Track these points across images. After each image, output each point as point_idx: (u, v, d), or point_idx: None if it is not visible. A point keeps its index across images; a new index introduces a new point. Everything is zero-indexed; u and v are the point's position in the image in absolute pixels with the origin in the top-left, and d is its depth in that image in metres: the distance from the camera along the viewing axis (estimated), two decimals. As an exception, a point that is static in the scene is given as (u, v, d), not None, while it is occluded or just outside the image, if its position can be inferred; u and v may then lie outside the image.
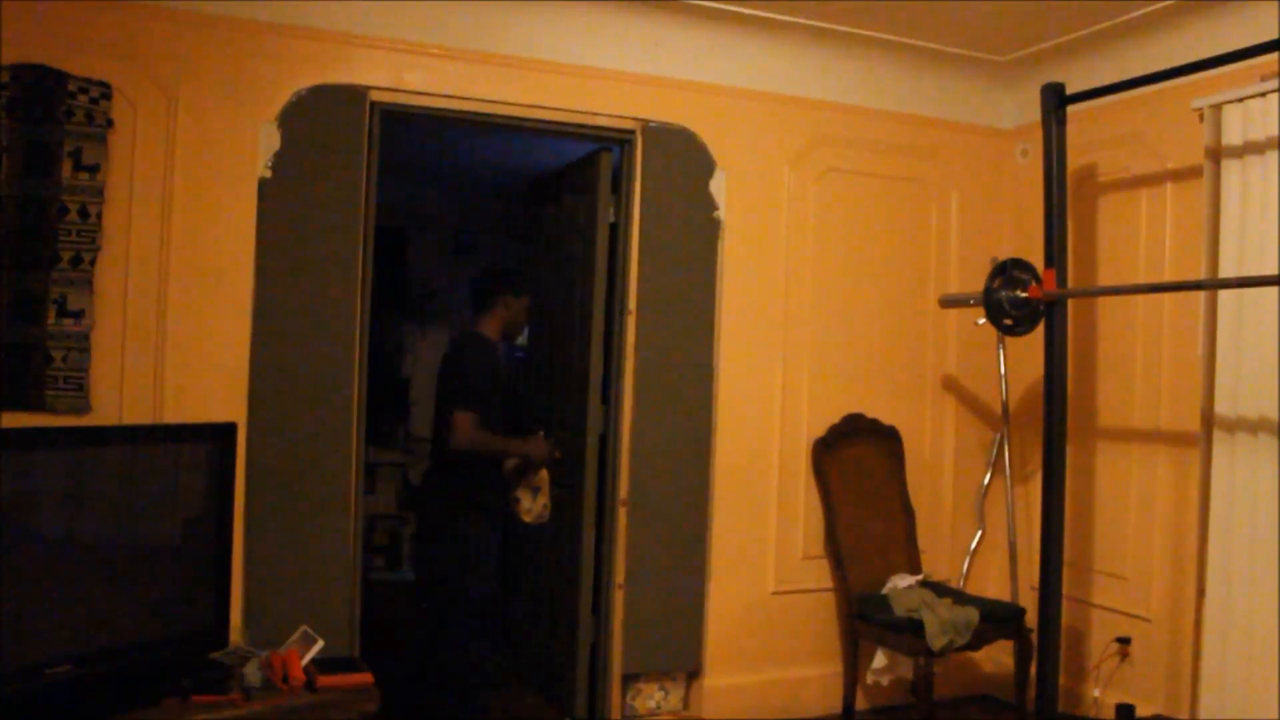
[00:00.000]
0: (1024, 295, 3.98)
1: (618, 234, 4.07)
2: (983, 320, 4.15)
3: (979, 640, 3.92)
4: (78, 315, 3.25)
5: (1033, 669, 3.89)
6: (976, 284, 4.24)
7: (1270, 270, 3.34)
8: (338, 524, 3.59)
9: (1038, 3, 3.88)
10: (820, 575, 4.33)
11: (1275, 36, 3.19)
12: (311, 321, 3.56)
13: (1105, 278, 4.17)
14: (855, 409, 4.38)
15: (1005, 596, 4.37)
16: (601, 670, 4.04)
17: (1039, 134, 3.90)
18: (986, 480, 4.57)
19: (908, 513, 4.44)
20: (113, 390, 3.32)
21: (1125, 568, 4.03)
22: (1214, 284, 3.57)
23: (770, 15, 4.07)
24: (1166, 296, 3.89)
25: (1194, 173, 3.74)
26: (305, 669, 3.09)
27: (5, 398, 3.17)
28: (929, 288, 4.54)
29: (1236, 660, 3.43)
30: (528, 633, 4.60)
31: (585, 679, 4.05)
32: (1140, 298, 3.99)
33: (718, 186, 4.13)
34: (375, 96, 3.66)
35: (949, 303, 4.44)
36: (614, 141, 4.04)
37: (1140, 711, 3.71)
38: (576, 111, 3.93)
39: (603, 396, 4.08)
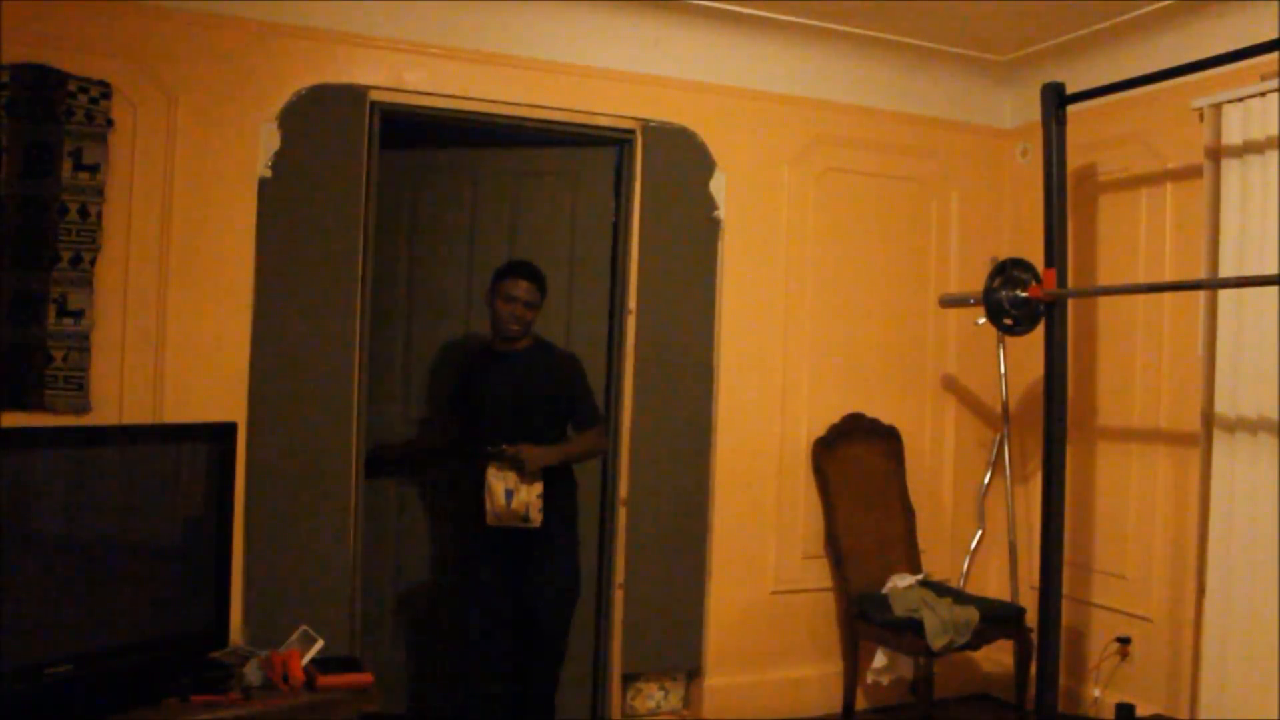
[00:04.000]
0: (1024, 295, 3.98)
1: (618, 234, 4.06)
2: (983, 320, 4.15)
3: (979, 640, 3.92)
4: (78, 315, 3.25)
5: (1033, 669, 3.89)
6: (976, 284, 4.24)
7: (1270, 270, 3.34)
8: (338, 524, 3.59)
9: (1038, 3, 3.88)
10: (820, 575, 4.33)
11: (1275, 36, 3.19)
12: (311, 321, 3.56)
13: (1105, 278, 4.17)
14: (855, 409, 4.38)
15: (1005, 596, 4.37)
16: (601, 670, 4.03)
17: (1039, 134, 3.89)
18: (986, 480, 4.57)
19: (908, 512, 4.44)
20: (113, 390, 3.32)
21: (1125, 567, 4.03)
22: (1214, 284, 3.57)
23: (770, 15, 4.07)
24: (1166, 296, 3.89)
25: (1194, 173, 3.74)
26: (305, 669, 3.09)
27: (5, 398, 3.17)
28: (929, 288, 4.54)
29: (1236, 660, 3.44)
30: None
31: (585, 679, 4.04)
32: (1140, 298, 3.99)
33: (718, 186, 4.13)
34: (375, 96, 3.66)
35: (949, 303, 4.44)
36: (614, 141, 4.04)
37: (1140, 711, 3.71)
38: (576, 111, 3.93)
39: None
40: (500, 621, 3.54)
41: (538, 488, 3.44)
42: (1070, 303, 4.04)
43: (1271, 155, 3.39)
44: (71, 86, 3.23)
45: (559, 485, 3.55)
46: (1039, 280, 3.90)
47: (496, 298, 3.55)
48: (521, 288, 3.53)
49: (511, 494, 3.42)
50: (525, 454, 3.42)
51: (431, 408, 4.00)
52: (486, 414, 3.61)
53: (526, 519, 3.43)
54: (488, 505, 3.43)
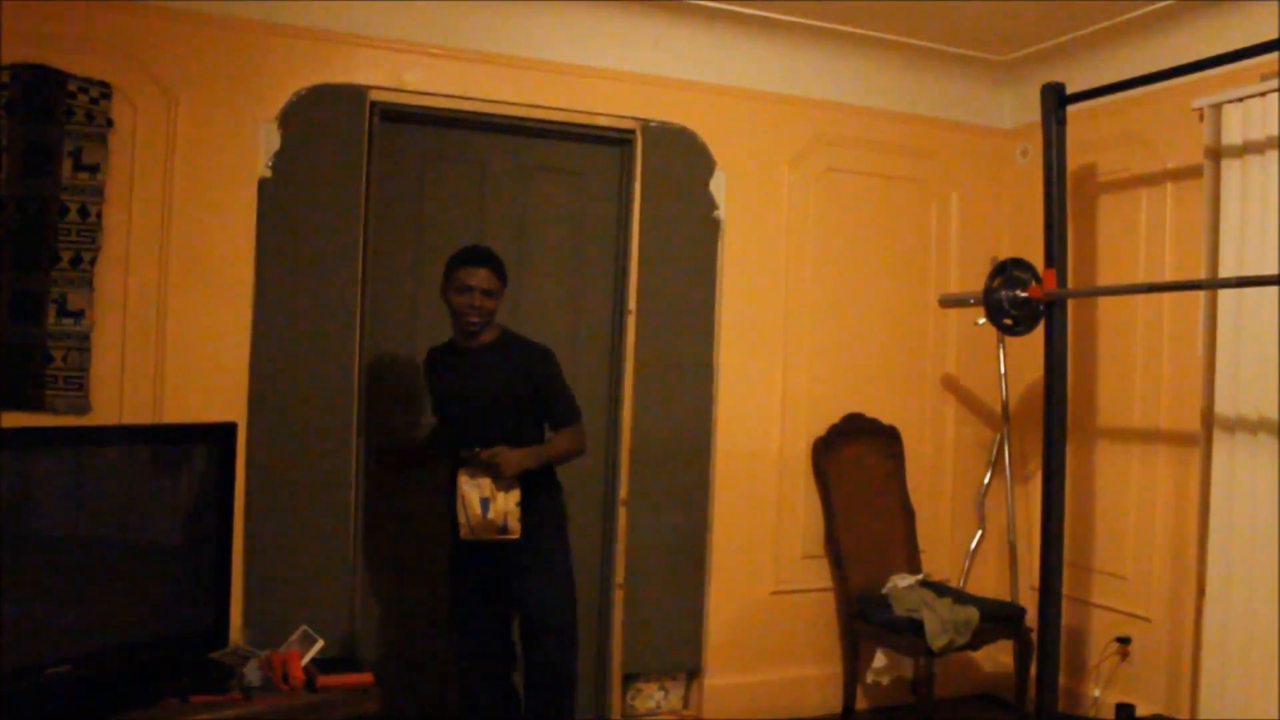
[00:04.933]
0: (1024, 295, 3.98)
1: (618, 233, 4.07)
2: (983, 320, 4.15)
3: (979, 640, 3.92)
4: (78, 315, 3.26)
5: (1033, 669, 3.89)
6: (976, 284, 4.24)
7: (1270, 270, 3.33)
8: (338, 524, 3.60)
9: (1038, 3, 3.88)
10: (820, 575, 4.33)
11: (1275, 36, 3.19)
12: (311, 321, 3.56)
13: (1105, 278, 4.17)
14: (855, 408, 4.38)
15: (1005, 596, 4.37)
16: (601, 670, 4.04)
17: (1039, 134, 3.89)
18: (986, 480, 4.57)
19: (908, 512, 4.44)
20: (113, 390, 3.32)
21: (1125, 568, 4.03)
22: (1214, 284, 3.57)
23: (770, 15, 4.07)
24: (1166, 296, 3.89)
25: (1194, 173, 3.74)
26: (305, 669, 3.10)
27: (5, 398, 3.17)
28: (929, 288, 4.54)
29: (1236, 660, 3.43)
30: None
31: (585, 679, 4.04)
32: (1140, 298, 3.99)
33: (718, 186, 4.13)
34: (375, 96, 3.66)
35: (949, 302, 4.44)
36: (614, 141, 4.04)
37: (1140, 711, 3.71)
38: (576, 111, 3.93)
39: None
40: (489, 659, 3.32)
41: (515, 495, 3.16)
42: (1070, 303, 4.04)
43: (1271, 155, 3.39)
44: (71, 86, 3.23)
45: (542, 491, 3.28)
46: (1039, 280, 3.90)
47: (450, 289, 3.24)
48: (476, 276, 3.20)
49: (488, 503, 3.12)
50: (501, 458, 3.11)
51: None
52: (452, 416, 3.33)
53: (505, 529, 3.14)
54: (461, 516, 3.14)
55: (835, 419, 4.35)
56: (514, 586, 3.27)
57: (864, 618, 4.07)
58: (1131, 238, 4.06)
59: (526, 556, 3.24)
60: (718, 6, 4.01)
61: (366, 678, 3.17)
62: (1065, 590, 3.88)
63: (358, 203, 3.63)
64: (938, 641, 3.76)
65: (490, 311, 3.26)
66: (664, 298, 4.05)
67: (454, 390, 3.32)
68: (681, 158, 4.07)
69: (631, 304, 4.01)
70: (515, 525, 3.17)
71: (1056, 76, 3.95)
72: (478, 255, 3.27)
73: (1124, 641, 3.98)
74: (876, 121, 4.43)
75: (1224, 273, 3.54)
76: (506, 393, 3.26)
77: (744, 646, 4.19)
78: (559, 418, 3.34)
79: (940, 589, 4.11)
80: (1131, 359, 4.05)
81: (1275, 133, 3.38)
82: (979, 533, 4.56)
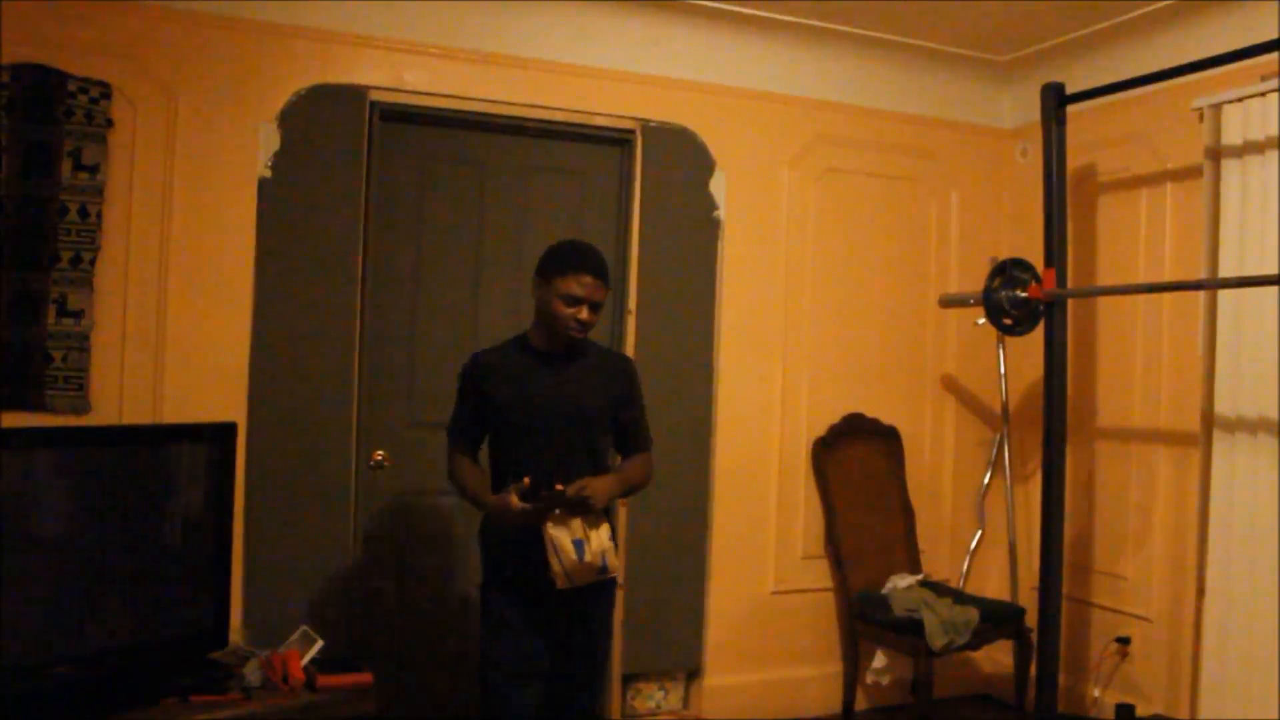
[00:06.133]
0: (1024, 295, 3.98)
1: (618, 233, 4.07)
2: (983, 320, 4.16)
3: (979, 640, 3.92)
4: (78, 315, 3.26)
5: (1033, 669, 3.89)
6: (976, 284, 4.24)
7: (1270, 270, 3.34)
8: (338, 524, 3.60)
9: (1038, 3, 3.89)
10: (820, 575, 4.33)
11: (1275, 36, 3.19)
12: (311, 321, 3.56)
13: (1105, 278, 4.17)
14: (855, 409, 4.38)
15: (1005, 596, 4.37)
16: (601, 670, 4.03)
17: (1039, 134, 3.90)
18: (986, 480, 4.57)
19: (908, 512, 4.44)
20: (113, 390, 3.32)
21: (1125, 568, 4.04)
22: (1214, 284, 3.57)
23: (770, 15, 4.08)
24: (1166, 296, 3.89)
25: (1194, 173, 3.74)
26: (305, 669, 3.10)
27: (5, 398, 3.17)
28: (929, 288, 4.54)
29: (1236, 660, 3.44)
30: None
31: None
32: (1140, 298, 3.99)
33: (718, 186, 4.14)
34: (375, 96, 3.66)
35: (949, 303, 4.44)
36: (614, 141, 4.04)
37: (1140, 711, 3.71)
38: (576, 111, 3.93)
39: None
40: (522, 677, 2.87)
41: (606, 528, 2.78)
42: (1070, 303, 4.04)
43: (1271, 155, 3.39)
44: (71, 86, 3.23)
45: (609, 522, 2.88)
46: (1039, 280, 3.90)
47: (554, 295, 2.78)
48: (588, 286, 2.77)
49: (582, 545, 2.71)
50: (591, 488, 2.71)
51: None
52: (525, 430, 2.84)
53: (604, 569, 2.76)
54: (556, 566, 2.70)
55: (835, 419, 4.35)
56: (570, 619, 2.89)
57: (864, 618, 4.07)
58: (1131, 238, 4.06)
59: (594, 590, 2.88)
60: (718, 6, 4.01)
61: (366, 678, 3.17)
62: (1065, 590, 3.89)
63: (358, 203, 3.63)
64: (938, 641, 3.77)
65: (592, 325, 2.85)
66: (664, 298, 4.05)
67: (534, 401, 2.84)
68: (681, 158, 4.07)
69: (631, 304, 4.01)
70: (614, 561, 2.81)
71: (1056, 76, 3.95)
72: (590, 261, 2.81)
73: (1124, 641, 3.98)
74: (876, 121, 4.43)
75: (1224, 273, 3.54)
76: (596, 408, 2.89)
77: (744, 646, 4.19)
78: (636, 442, 3.01)
79: (940, 589, 4.11)
80: (1131, 359, 4.05)
81: (1275, 133, 3.38)
82: (979, 533, 4.56)
